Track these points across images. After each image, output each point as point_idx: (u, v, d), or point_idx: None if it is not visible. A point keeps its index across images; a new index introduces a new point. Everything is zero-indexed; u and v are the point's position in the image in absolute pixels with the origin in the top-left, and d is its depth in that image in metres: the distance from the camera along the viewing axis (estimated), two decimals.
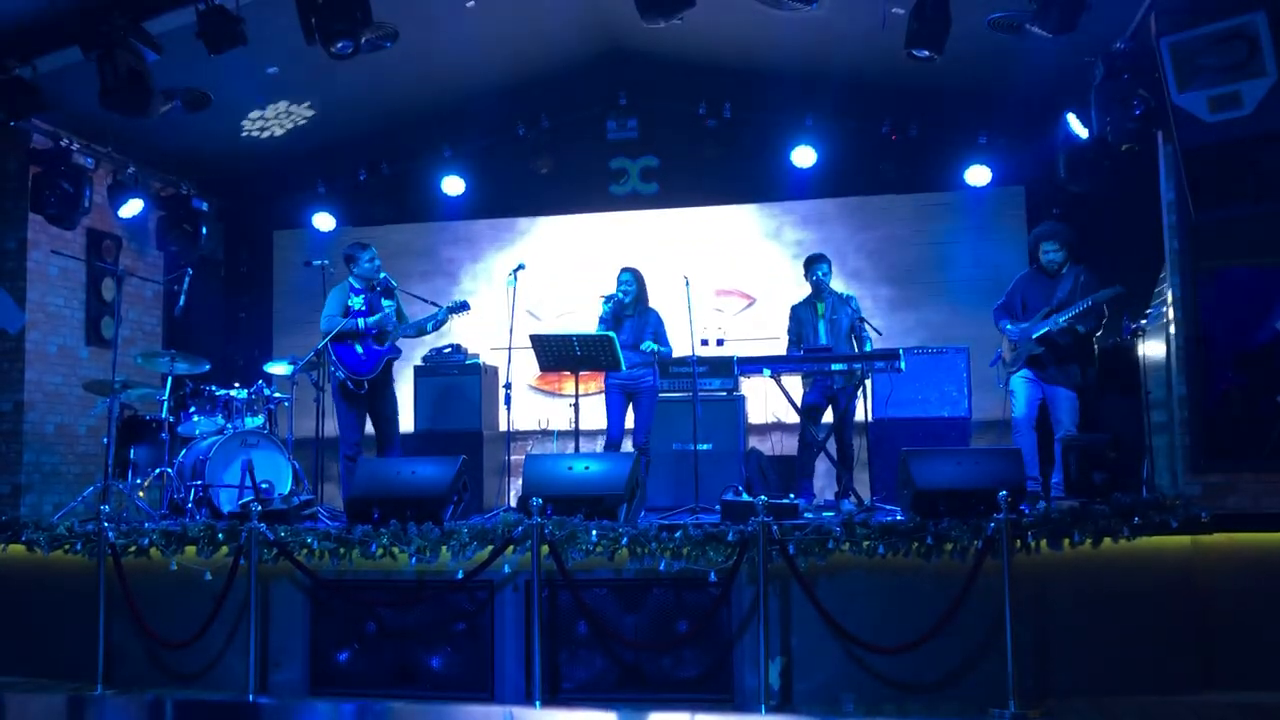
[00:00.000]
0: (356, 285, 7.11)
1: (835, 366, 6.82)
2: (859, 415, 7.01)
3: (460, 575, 5.40)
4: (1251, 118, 5.68)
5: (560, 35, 8.15)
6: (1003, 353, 6.92)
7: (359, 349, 6.92)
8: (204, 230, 8.80)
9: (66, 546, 5.94)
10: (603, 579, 5.37)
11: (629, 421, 7.32)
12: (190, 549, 5.73)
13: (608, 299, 7.25)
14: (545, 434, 9.24)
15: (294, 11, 5.94)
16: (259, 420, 7.28)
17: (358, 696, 5.54)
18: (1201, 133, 5.81)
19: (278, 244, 10.12)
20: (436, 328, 7.13)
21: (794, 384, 7.05)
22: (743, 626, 5.22)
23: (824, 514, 5.93)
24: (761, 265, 9.39)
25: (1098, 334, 6.76)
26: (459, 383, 8.24)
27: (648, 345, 7.09)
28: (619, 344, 6.74)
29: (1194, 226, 6.01)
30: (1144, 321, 6.28)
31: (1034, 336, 6.59)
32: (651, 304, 7.36)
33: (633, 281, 7.28)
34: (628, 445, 7.26)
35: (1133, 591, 5.16)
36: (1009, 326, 6.79)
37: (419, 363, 8.44)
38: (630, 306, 7.26)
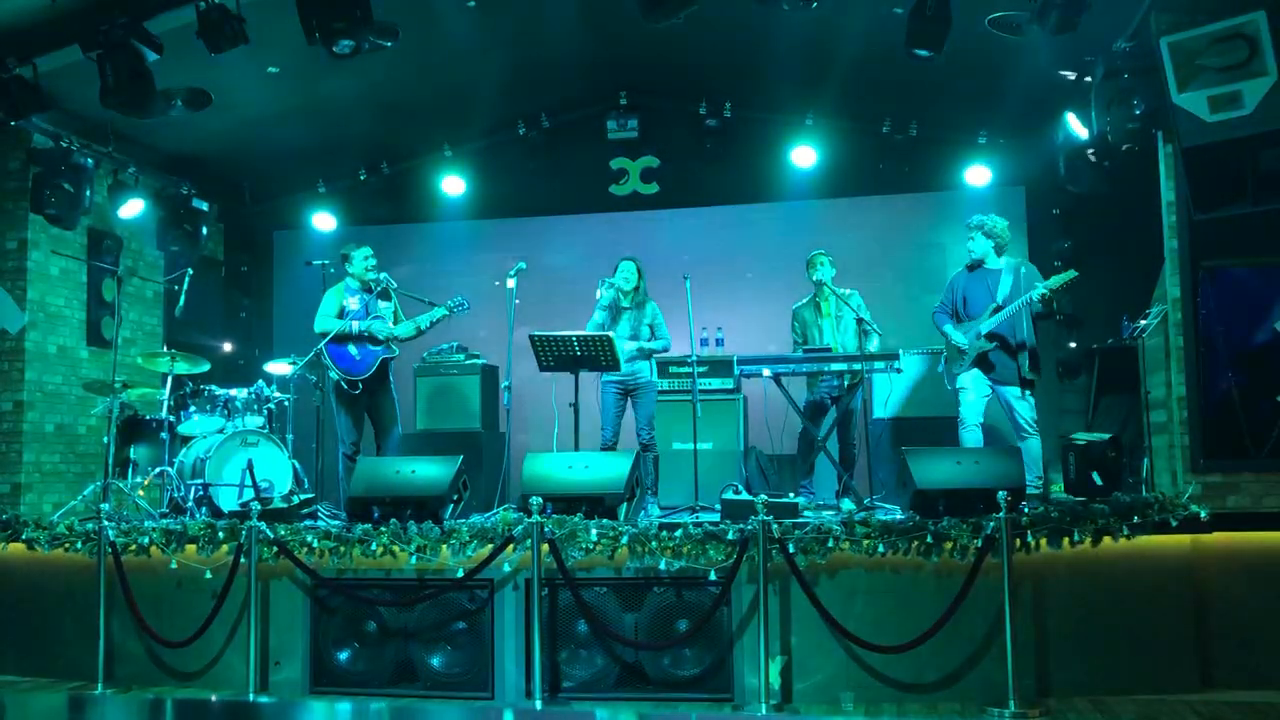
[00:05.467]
0: (353, 286, 7.11)
1: (835, 366, 6.83)
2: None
3: (460, 574, 5.41)
4: (1252, 117, 5.69)
5: (560, 34, 8.13)
6: (947, 356, 6.73)
7: (354, 350, 6.92)
8: (204, 230, 8.80)
9: (67, 545, 5.95)
10: (603, 578, 5.38)
11: (628, 421, 7.30)
12: (190, 547, 5.75)
13: (608, 285, 7.22)
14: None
15: (294, 11, 5.94)
16: (259, 419, 7.28)
17: (358, 695, 5.55)
18: (1201, 132, 5.82)
19: (278, 244, 10.11)
20: (434, 327, 7.12)
21: (796, 383, 7.04)
22: (743, 625, 5.23)
23: (824, 513, 5.93)
24: (763, 265, 9.37)
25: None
26: (459, 383, 8.23)
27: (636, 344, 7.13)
28: (617, 339, 6.73)
29: (1194, 226, 6.01)
30: (1144, 321, 6.25)
31: (984, 333, 6.42)
32: (651, 297, 7.35)
33: (633, 271, 7.26)
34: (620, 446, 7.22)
35: (1132, 591, 5.16)
36: (951, 330, 6.59)
37: (419, 362, 8.44)
38: (628, 296, 7.25)
